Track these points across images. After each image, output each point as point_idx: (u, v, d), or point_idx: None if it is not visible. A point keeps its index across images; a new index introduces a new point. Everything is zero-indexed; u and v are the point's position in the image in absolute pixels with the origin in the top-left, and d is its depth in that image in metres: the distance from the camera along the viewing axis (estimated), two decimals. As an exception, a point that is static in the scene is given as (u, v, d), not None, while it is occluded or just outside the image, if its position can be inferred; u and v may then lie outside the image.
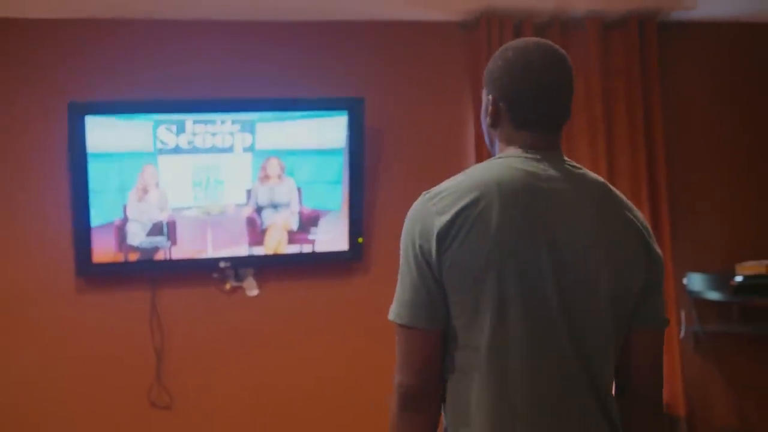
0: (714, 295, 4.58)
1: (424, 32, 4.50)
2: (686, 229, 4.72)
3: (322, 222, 4.30)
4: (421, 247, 1.79)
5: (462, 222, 1.76)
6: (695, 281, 4.62)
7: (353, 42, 4.45)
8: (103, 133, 3.99)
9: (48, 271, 4.14)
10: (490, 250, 1.75)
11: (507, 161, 1.86)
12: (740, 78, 4.84)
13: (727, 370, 4.78)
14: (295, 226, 4.27)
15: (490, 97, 1.92)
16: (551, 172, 1.85)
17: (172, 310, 4.26)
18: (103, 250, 4.07)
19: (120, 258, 4.10)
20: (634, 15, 4.53)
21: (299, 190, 4.25)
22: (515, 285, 1.77)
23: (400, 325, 1.83)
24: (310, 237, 4.30)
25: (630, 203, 1.92)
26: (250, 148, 4.16)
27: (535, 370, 1.78)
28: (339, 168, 4.27)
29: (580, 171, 1.90)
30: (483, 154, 4.35)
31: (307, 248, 4.30)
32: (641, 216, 1.92)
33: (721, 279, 4.54)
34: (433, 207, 1.80)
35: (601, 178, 1.92)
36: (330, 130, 4.25)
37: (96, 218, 4.04)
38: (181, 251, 4.15)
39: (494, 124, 1.93)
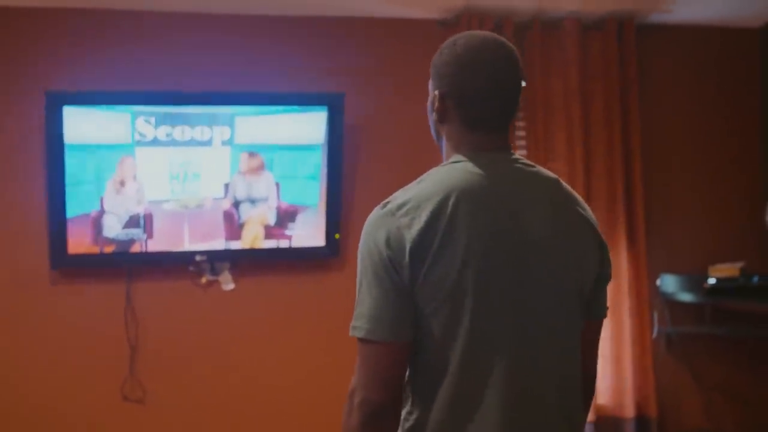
0: (686, 297, 4.62)
1: (405, 29, 4.51)
2: (660, 231, 4.76)
3: (299, 217, 4.29)
4: (390, 258, 1.74)
5: (433, 235, 1.72)
6: (668, 282, 4.65)
7: (334, 38, 4.46)
8: (80, 124, 3.96)
9: (22, 262, 4.11)
10: (462, 261, 1.72)
11: (462, 166, 1.82)
12: (716, 81, 4.89)
13: (699, 372, 4.82)
14: (272, 221, 4.26)
15: (437, 92, 1.87)
16: (505, 174, 1.82)
17: (147, 303, 4.24)
18: (79, 242, 4.04)
19: (95, 250, 4.08)
20: (613, 17, 4.56)
21: (277, 185, 4.24)
22: (489, 292, 1.74)
23: (366, 340, 1.76)
24: (287, 232, 4.29)
25: (579, 198, 1.92)
26: (229, 142, 4.15)
27: (511, 377, 1.76)
28: (317, 163, 4.27)
29: (533, 169, 1.87)
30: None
31: (284, 243, 4.29)
32: (589, 209, 1.93)
33: (693, 281, 4.58)
34: (400, 220, 1.74)
35: (553, 175, 1.90)
36: (309, 126, 4.25)
37: (72, 210, 4.01)
38: (158, 244, 4.13)
39: (441, 120, 1.89)
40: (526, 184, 1.83)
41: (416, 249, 1.72)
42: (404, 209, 1.75)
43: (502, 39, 1.88)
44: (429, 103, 1.92)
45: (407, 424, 1.81)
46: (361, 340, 1.77)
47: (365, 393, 1.76)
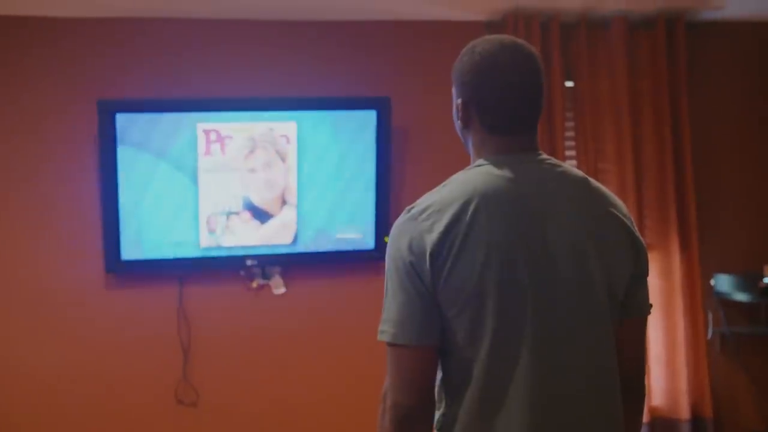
0: (741, 297, 4.55)
1: (451, 32, 4.50)
2: (713, 230, 4.70)
3: (348, 220, 4.31)
4: (412, 264, 1.76)
5: (453, 238, 1.74)
6: (722, 282, 4.59)
7: (380, 42, 4.47)
8: (135, 131, 4.03)
9: (77, 267, 4.18)
10: (483, 263, 1.73)
11: (485, 169, 1.83)
12: (768, 78, 4.82)
13: (755, 372, 4.75)
14: (323, 223, 4.28)
15: (460, 100, 1.90)
16: (531, 174, 1.83)
17: (199, 307, 4.29)
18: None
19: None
20: (662, 15, 4.51)
21: (326, 188, 4.27)
22: (513, 294, 1.75)
23: (395, 345, 1.78)
24: (337, 236, 4.31)
25: (612, 196, 1.91)
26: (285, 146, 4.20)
27: (538, 378, 1.76)
28: (367, 167, 4.29)
29: (560, 169, 1.87)
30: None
31: (334, 246, 4.31)
32: (624, 207, 1.91)
33: (748, 280, 4.52)
34: (422, 224, 1.77)
35: (581, 174, 1.89)
36: (358, 129, 4.26)
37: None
38: (210, 249, 4.18)
39: (466, 126, 1.91)
40: (552, 184, 1.83)
41: (437, 253, 1.74)
42: (426, 214, 1.78)
43: (521, 42, 1.89)
44: (453, 111, 1.94)
45: (439, 425, 1.83)
46: (388, 344, 1.80)
47: (395, 396, 1.79)
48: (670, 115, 4.55)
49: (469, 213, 1.75)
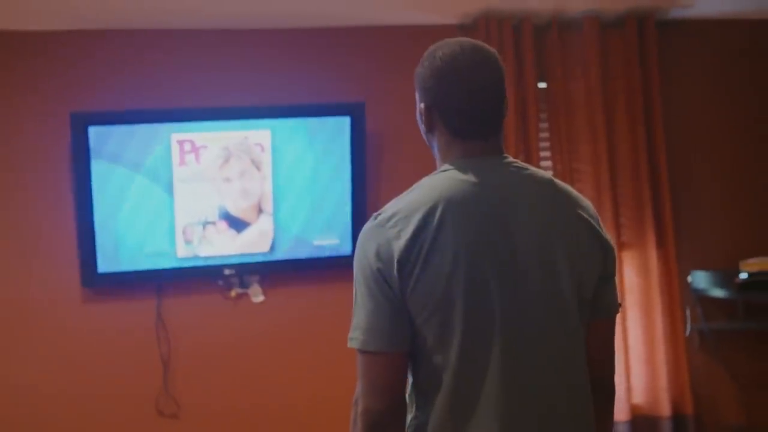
0: (719, 293, 4.58)
1: (423, 35, 4.46)
2: (690, 227, 4.72)
3: (325, 227, 4.30)
4: (380, 270, 1.76)
5: (420, 245, 1.75)
6: (700, 279, 4.62)
7: (353, 48, 4.47)
8: (108, 143, 4.01)
9: (54, 282, 4.15)
10: (450, 269, 1.74)
11: (450, 174, 1.83)
12: (741, 75, 4.85)
13: (734, 368, 4.77)
14: (300, 230, 4.28)
15: (423, 105, 1.90)
16: (496, 178, 1.83)
17: (178, 318, 4.27)
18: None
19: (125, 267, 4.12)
20: (632, 14, 4.53)
21: (302, 195, 4.26)
22: (481, 299, 1.76)
23: (364, 351, 1.79)
24: (314, 242, 4.30)
25: (579, 197, 1.91)
26: (258, 154, 4.19)
27: (508, 381, 1.77)
28: (342, 173, 4.28)
29: (526, 172, 1.87)
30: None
31: (310, 253, 4.30)
32: (591, 208, 1.91)
33: (725, 276, 4.54)
34: (389, 231, 1.77)
35: (548, 176, 1.90)
36: (333, 136, 4.26)
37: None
38: (187, 259, 4.17)
39: (430, 131, 1.92)
40: (517, 187, 1.84)
41: (404, 260, 1.75)
42: (393, 221, 1.78)
43: (481, 44, 1.90)
44: (417, 115, 1.95)
45: (411, 430, 1.83)
46: (358, 350, 1.80)
47: (366, 402, 1.79)
48: (644, 113, 4.57)
49: (436, 219, 1.76)
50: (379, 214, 1.83)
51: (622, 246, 4.56)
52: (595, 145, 4.52)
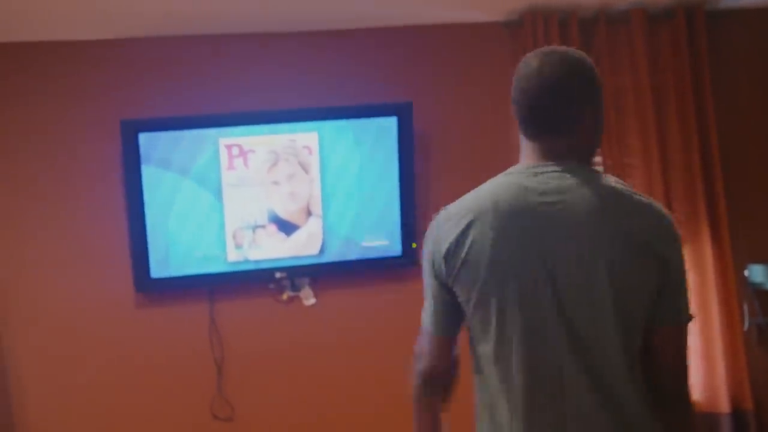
0: (776, 287, 4.50)
1: (468, 33, 4.48)
2: (745, 221, 4.64)
3: (374, 228, 4.30)
4: (433, 263, 1.98)
5: (464, 242, 1.90)
6: (757, 272, 4.53)
7: (398, 47, 4.46)
8: (158, 150, 4.05)
9: (108, 288, 4.20)
10: (488, 268, 1.87)
11: (508, 178, 1.94)
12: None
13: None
14: (348, 232, 4.28)
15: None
16: (551, 184, 1.89)
17: (231, 322, 4.29)
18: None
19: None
20: (681, 5, 4.46)
21: (350, 197, 4.26)
22: (513, 299, 1.87)
23: (423, 332, 2.09)
24: (365, 243, 4.30)
25: (642, 206, 1.88)
26: (309, 157, 4.20)
27: (531, 379, 1.89)
28: (390, 174, 4.28)
29: (588, 178, 1.89)
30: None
31: (361, 254, 4.31)
32: (654, 217, 1.88)
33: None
34: (444, 227, 1.95)
35: (612, 184, 1.90)
36: (380, 136, 4.26)
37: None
38: (238, 263, 4.19)
39: (519, 131, 2.03)
40: (570, 195, 1.87)
41: (450, 255, 1.92)
42: (451, 217, 1.96)
43: (561, 50, 1.96)
44: None
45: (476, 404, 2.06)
46: (424, 332, 2.10)
47: (420, 364, 2.10)
48: (694, 106, 4.49)
49: (479, 224, 1.88)
50: (444, 210, 2.01)
51: (675, 241, 4.48)
52: (646, 139, 4.45)
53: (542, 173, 1.90)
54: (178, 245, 4.13)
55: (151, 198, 4.07)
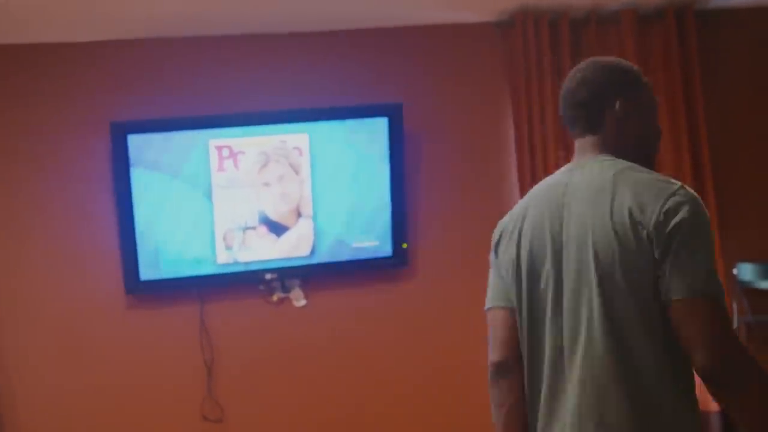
0: (765, 284, 4.51)
1: (459, 34, 4.47)
2: (734, 220, 4.65)
3: (364, 229, 4.29)
4: (493, 246, 2.18)
5: (507, 233, 2.12)
6: (745, 271, 4.55)
7: (389, 48, 4.44)
8: (148, 151, 4.03)
9: (98, 290, 4.19)
10: (518, 255, 2.06)
11: (551, 176, 2.12)
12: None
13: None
14: (339, 233, 4.27)
15: None
16: (575, 178, 2.02)
17: (220, 323, 4.28)
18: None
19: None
20: (671, 5, 4.46)
21: (341, 198, 4.25)
22: (534, 288, 2.03)
23: (487, 310, 2.16)
24: (355, 244, 4.29)
25: (644, 183, 1.91)
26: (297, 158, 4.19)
27: (551, 376, 2.00)
28: (381, 174, 4.27)
29: (592, 169, 1.99)
30: (523, 153, 4.33)
31: (351, 255, 4.30)
32: (653, 194, 1.89)
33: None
34: (503, 219, 2.16)
35: (608, 172, 1.96)
36: (371, 137, 4.25)
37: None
38: (228, 265, 4.17)
39: None
40: (582, 186, 1.99)
41: (497, 243, 2.15)
42: (507, 215, 2.16)
43: (597, 59, 2.12)
44: None
45: None
46: (486, 312, 2.16)
47: (490, 355, 2.13)
48: (685, 105, 4.50)
49: (520, 215, 2.09)
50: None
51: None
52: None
53: (573, 169, 2.04)
54: (168, 247, 4.11)
55: (140, 200, 4.06)
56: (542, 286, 2.02)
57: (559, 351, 1.98)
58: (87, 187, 4.18)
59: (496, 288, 2.14)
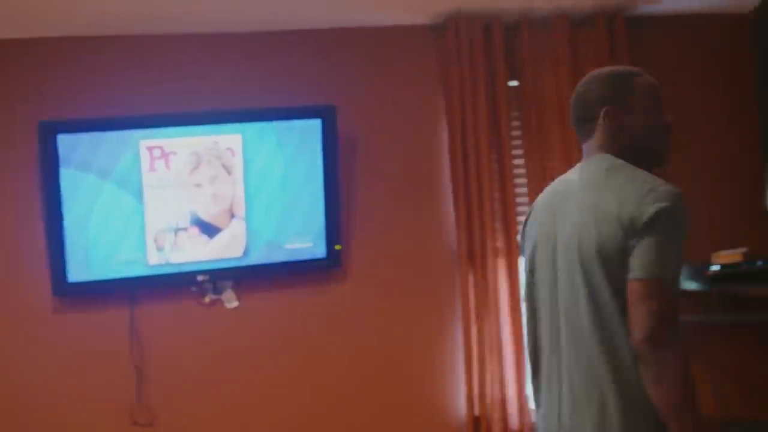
0: (691, 286, 4.59)
1: (394, 36, 4.49)
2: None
3: (298, 230, 4.28)
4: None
5: (525, 227, 2.42)
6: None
7: (323, 49, 4.44)
8: (77, 152, 3.96)
9: (24, 292, 4.11)
10: (531, 248, 2.33)
11: (563, 174, 2.37)
12: (710, 69, 4.85)
13: (709, 360, 4.79)
14: (272, 234, 4.24)
15: None
16: (573, 176, 2.27)
17: (151, 326, 4.23)
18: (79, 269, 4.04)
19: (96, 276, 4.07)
20: (602, 11, 4.53)
21: (274, 199, 4.23)
22: (539, 276, 2.30)
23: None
24: (288, 246, 4.27)
25: (626, 180, 2.13)
26: (229, 158, 4.15)
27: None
28: (315, 176, 4.26)
29: (586, 170, 2.23)
30: (456, 157, 4.35)
31: (285, 257, 4.27)
32: (631, 189, 2.10)
33: (697, 269, 4.56)
34: (521, 228, 2.52)
35: (603, 170, 2.18)
36: (304, 138, 4.24)
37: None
38: (159, 266, 4.12)
39: None
40: (576, 184, 2.23)
41: (521, 237, 2.45)
42: (528, 210, 2.45)
43: (602, 69, 2.31)
44: None
45: None
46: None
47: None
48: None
49: (532, 214, 2.38)
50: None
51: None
52: (568, 142, 4.51)
53: (576, 169, 2.27)
54: (98, 248, 4.05)
55: (70, 200, 3.99)
56: (542, 275, 2.27)
57: (556, 331, 2.21)
58: (14, 187, 4.10)
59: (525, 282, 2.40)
